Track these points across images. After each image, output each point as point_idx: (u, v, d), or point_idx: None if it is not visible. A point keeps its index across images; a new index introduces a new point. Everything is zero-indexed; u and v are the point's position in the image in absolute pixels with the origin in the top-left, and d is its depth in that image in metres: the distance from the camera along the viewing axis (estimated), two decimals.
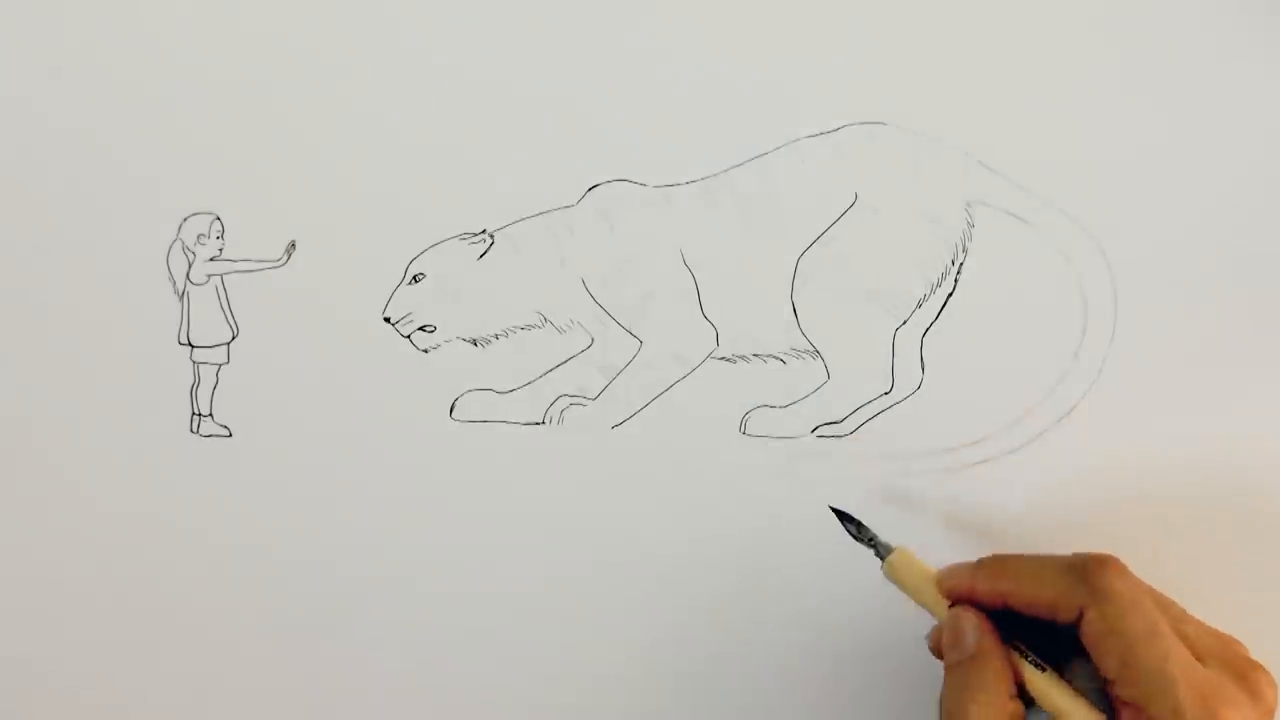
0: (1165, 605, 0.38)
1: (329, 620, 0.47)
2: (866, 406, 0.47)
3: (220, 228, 0.48)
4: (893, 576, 0.41)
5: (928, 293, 0.47)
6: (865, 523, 0.43)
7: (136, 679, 0.47)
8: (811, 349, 0.47)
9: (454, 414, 0.47)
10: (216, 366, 0.48)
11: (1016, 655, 0.38)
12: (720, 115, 0.48)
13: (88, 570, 0.47)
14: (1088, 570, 0.37)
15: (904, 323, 0.47)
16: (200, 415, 0.48)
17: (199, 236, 0.48)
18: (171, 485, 0.47)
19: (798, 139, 0.48)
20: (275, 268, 0.48)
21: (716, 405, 0.47)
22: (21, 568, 0.47)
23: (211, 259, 0.48)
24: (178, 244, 0.48)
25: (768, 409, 0.47)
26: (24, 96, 0.49)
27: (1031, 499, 0.46)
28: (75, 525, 0.47)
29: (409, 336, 0.48)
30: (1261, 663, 0.38)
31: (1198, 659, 0.36)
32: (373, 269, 0.48)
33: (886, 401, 0.47)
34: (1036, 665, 0.38)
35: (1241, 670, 0.37)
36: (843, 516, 0.43)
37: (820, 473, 0.46)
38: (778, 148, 0.48)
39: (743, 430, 0.47)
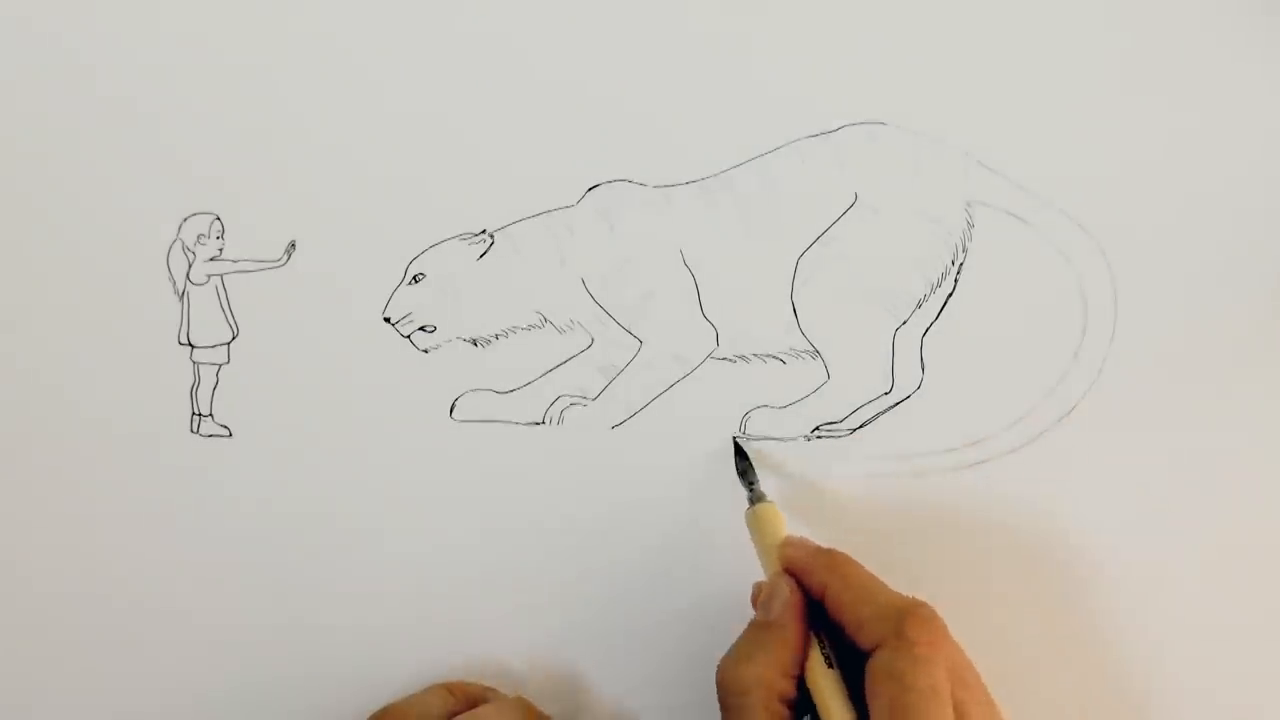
0: (969, 683, 0.38)
1: (329, 620, 0.47)
2: (866, 406, 0.47)
3: (220, 228, 0.48)
4: (751, 524, 0.43)
5: (928, 293, 0.47)
6: (756, 470, 0.45)
7: (136, 679, 0.47)
8: (811, 349, 0.47)
9: (454, 414, 0.47)
10: (216, 366, 0.48)
11: (814, 643, 0.39)
12: (720, 115, 0.48)
13: (88, 570, 0.47)
14: (905, 618, 0.37)
15: (904, 323, 0.47)
16: (200, 415, 0.48)
17: (199, 236, 0.48)
18: (171, 485, 0.47)
19: (798, 139, 0.48)
20: (275, 268, 0.48)
21: (716, 405, 0.47)
22: (21, 567, 0.47)
23: (211, 259, 0.48)
24: (178, 244, 0.48)
25: (768, 409, 0.47)
26: (24, 96, 0.49)
27: (1031, 499, 0.46)
28: (75, 525, 0.47)
29: (409, 336, 0.48)
30: None
31: None
32: (373, 269, 0.48)
33: (886, 401, 0.47)
34: (828, 660, 0.38)
35: None
36: (739, 451, 0.45)
37: (820, 473, 0.46)
38: (778, 148, 0.48)
39: (743, 430, 0.47)
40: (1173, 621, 0.45)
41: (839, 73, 0.48)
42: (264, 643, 0.47)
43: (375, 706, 0.45)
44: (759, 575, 0.45)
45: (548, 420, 0.47)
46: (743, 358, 0.47)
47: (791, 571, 0.41)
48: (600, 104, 0.48)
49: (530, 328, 0.48)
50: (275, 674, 0.47)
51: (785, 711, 0.38)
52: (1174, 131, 0.47)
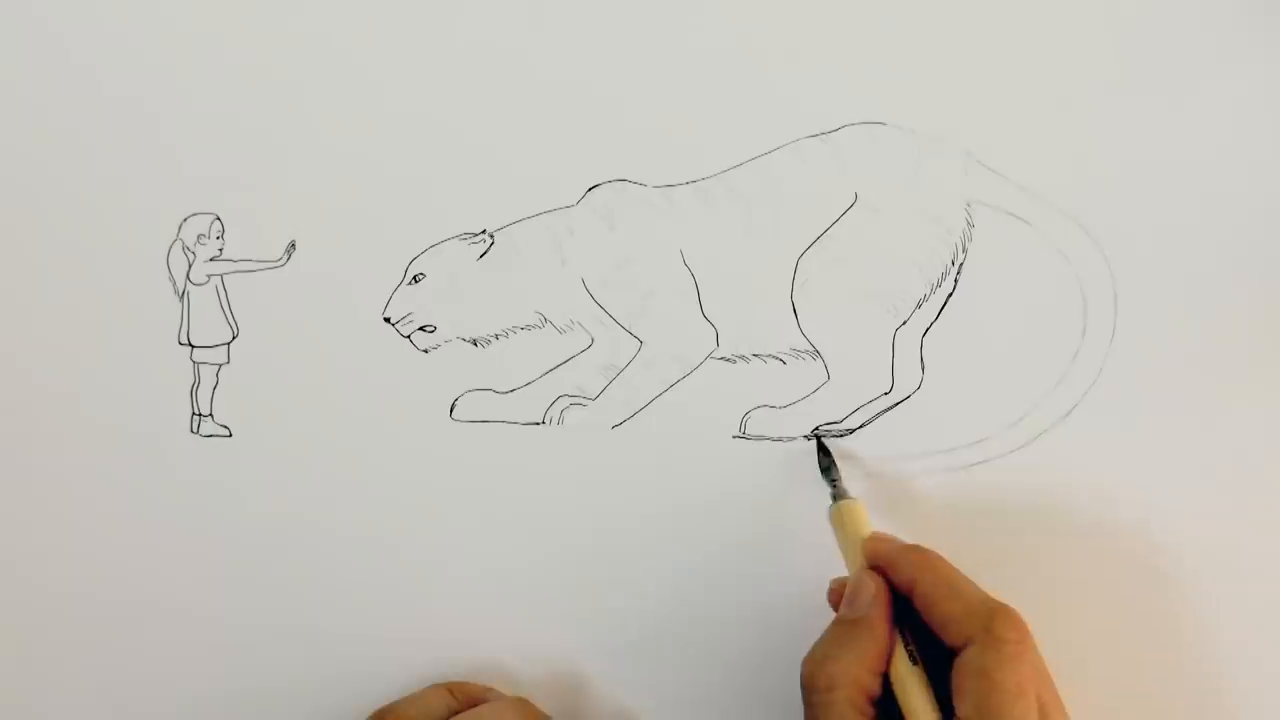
0: (1045, 685, 0.38)
1: (329, 620, 0.47)
2: (866, 406, 0.47)
3: (220, 228, 0.48)
4: (835, 522, 0.43)
5: (928, 293, 0.47)
6: (839, 468, 0.44)
7: (136, 678, 0.47)
8: (811, 349, 0.47)
9: (454, 414, 0.47)
10: (216, 366, 0.48)
11: (899, 640, 0.39)
12: (720, 115, 0.48)
13: (88, 570, 0.47)
14: (995, 615, 0.37)
15: (904, 323, 0.47)
16: (200, 415, 0.48)
17: (199, 236, 0.48)
18: (171, 485, 0.47)
19: (798, 139, 0.48)
20: (275, 268, 0.48)
21: (716, 405, 0.47)
22: (22, 567, 0.47)
23: (211, 259, 0.48)
24: (178, 244, 0.48)
25: (768, 409, 0.47)
26: (24, 96, 0.49)
27: (1031, 499, 0.46)
28: (75, 525, 0.47)
29: (409, 336, 0.48)
30: None
31: None
32: (373, 269, 0.48)
33: (886, 401, 0.47)
34: (912, 657, 0.38)
35: None
36: (823, 448, 0.45)
37: (820, 473, 0.46)
38: (778, 148, 0.48)
39: (743, 430, 0.47)
40: (1173, 621, 0.45)
41: (839, 73, 0.48)
42: (264, 642, 0.47)
43: (375, 706, 0.45)
44: (759, 573, 0.45)
45: (548, 420, 0.47)
46: (743, 358, 0.47)
47: (877, 567, 0.40)
48: (600, 104, 0.48)
49: (530, 328, 0.48)
50: (275, 673, 0.47)
51: (871, 709, 0.38)
52: (1174, 131, 0.47)
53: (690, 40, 0.48)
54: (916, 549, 0.40)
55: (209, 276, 0.48)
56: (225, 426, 0.47)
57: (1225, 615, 0.45)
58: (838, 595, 0.41)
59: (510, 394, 0.47)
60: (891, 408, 0.47)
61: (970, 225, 0.47)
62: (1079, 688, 0.45)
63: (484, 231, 0.48)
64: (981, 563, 0.44)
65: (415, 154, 0.48)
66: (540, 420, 0.47)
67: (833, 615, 0.41)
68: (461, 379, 0.47)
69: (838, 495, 0.43)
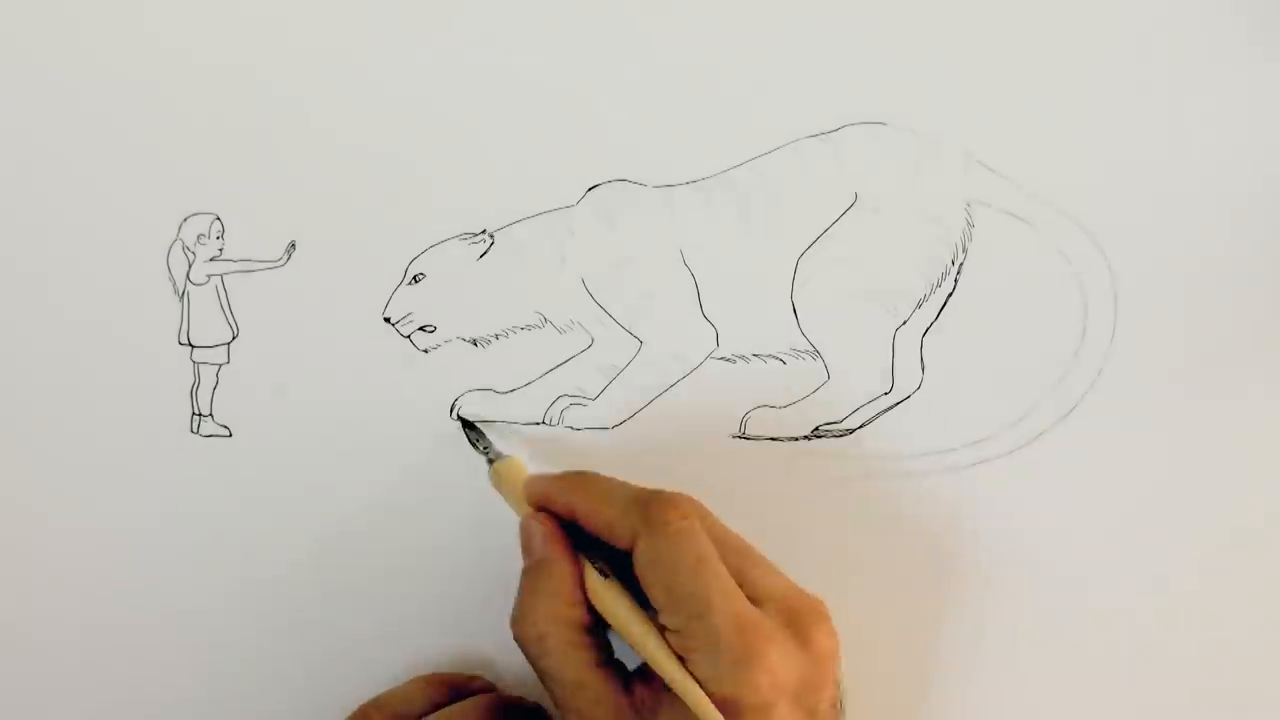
0: (739, 550, 0.38)
1: (329, 620, 0.47)
2: (866, 406, 0.47)
3: (220, 228, 0.48)
4: (496, 483, 0.43)
5: (928, 293, 0.47)
6: (490, 436, 0.45)
7: (136, 678, 0.47)
8: (811, 349, 0.47)
9: (454, 414, 0.47)
10: (216, 366, 0.48)
11: (585, 564, 0.39)
12: (720, 115, 0.48)
13: (88, 570, 0.47)
14: (649, 503, 0.38)
15: (904, 323, 0.47)
16: (200, 415, 0.48)
17: (199, 236, 0.48)
18: (171, 485, 0.47)
19: (798, 139, 0.48)
20: (275, 268, 0.48)
21: (716, 405, 0.47)
22: (21, 567, 0.47)
23: (211, 259, 0.48)
24: (178, 244, 0.48)
25: (768, 409, 0.47)
26: (24, 96, 0.49)
27: (1031, 499, 0.46)
28: (75, 525, 0.47)
29: (409, 336, 0.48)
30: (828, 616, 0.37)
31: (755, 601, 0.37)
32: (373, 269, 0.48)
33: (886, 401, 0.47)
34: (601, 573, 0.39)
35: (798, 615, 0.37)
36: (466, 425, 0.46)
37: (820, 473, 0.46)
38: (778, 148, 0.48)
39: (743, 430, 0.47)
40: (1173, 621, 0.45)
41: (839, 73, 0.48)
42: (263, 642, 0.47)
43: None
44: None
45: (548, 420, 0.47)
46: (743, 358, 0.47)
47: (540, 505, 0.41)
48: (600, 104, 0.48)
49: (530, 328, 0.48)
50: (274, 673, 0.47)
51: (588, 638, 0.38)
52: (1174, 131, 0.47)
53: (690, 40, 0.48)
54: (567, 475, 0.41)
55: (209, 276, 0.48)
56: (225, 426, 0.47)
57: (1226, 615, 0.45)
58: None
59: (510, 394, 0.47)
60: (891, 408, 0.47)
61: (970, 225, 0.47)
62: (1073, 686, 0.45)
63: (484, 231, 0.48)
64: (979, 563, 0.44)
65: (415, 154, 0.48)
66: (540, 420, 0.47)
67: None
68: (461, 379, 0.47)
69: (494, 457, 0.44)
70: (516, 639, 0.39)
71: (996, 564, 0.46)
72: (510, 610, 0.40)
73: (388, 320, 0.48)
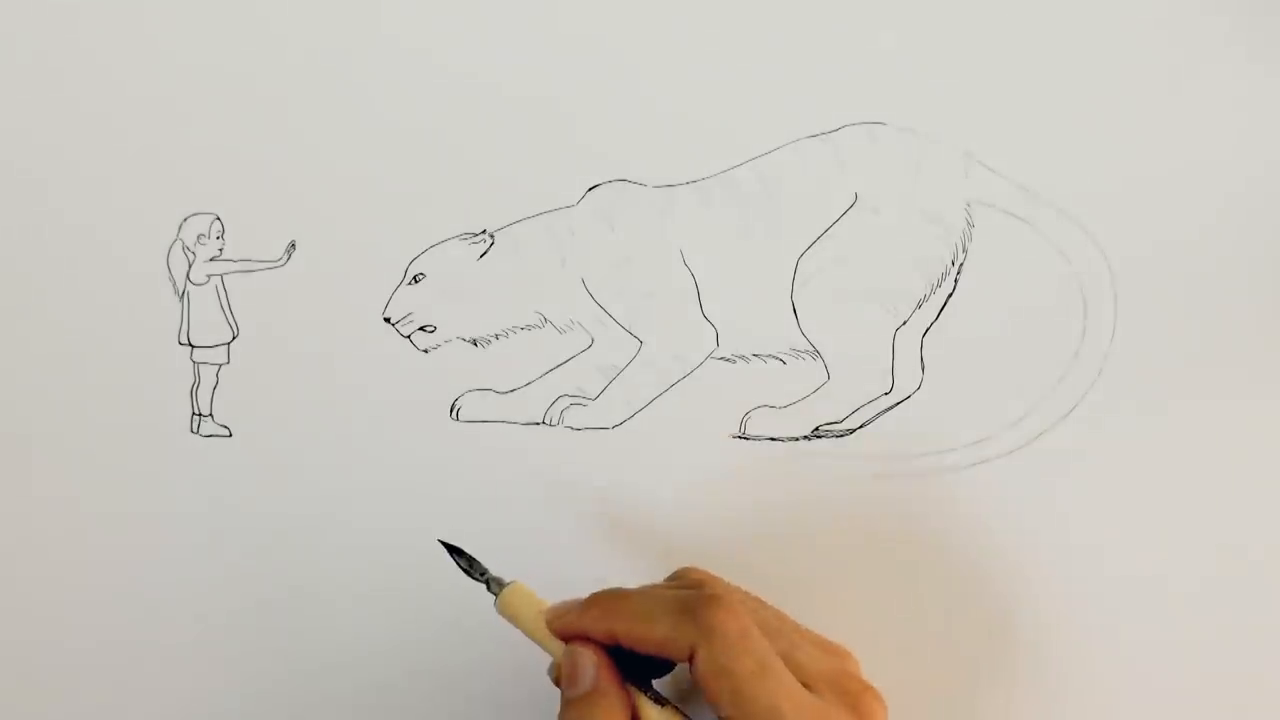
0: (776, 632, 0.37)
1: (329, 620, 0.47)
2: (866, 406, 0.47)
3: (220, 228, 0.48)
4: (505, 613, 0.40)
5: (928, 293, 0.47)
6: (478, 558, 0.41)
7: (136, 678, 0.47)
8: (811, 349, 0.47)
9: (454, 414, 0.47)
10: (216, 366, 0.48)
11: (636, 691, 0.37)
12: (720, 115, 0.48)
13: (88, 570, 0.47)
14: (695, 609, 0.36)
15: (904, 323, 0.47)
16: (200, 415, 0.48)
17: (199, 236, 0.48)
18: (171, 485, 0.47)
19: (798, 139, 0.48)
20: (275, 268, 0.48)
21: (716, 405, 0.47)
22: (22, 567, 0.47)
23: (211, 259, 0.48)
24: (178, 244, 0.48)
25: (768, 409, 0.47)
26: (24, 96, 0.49)
27: (1031, 499, 0.46)
28: (75, 525, 0.47)
29: (409, 336, 0.48)
30: (870, 684, 0.37)
31: (809, 686, 0.36)
32: (373, 269, 0.48)
33: (886, 401, 0.47)
34: (655, 700, 0.37)
35: (853, 694, 0.37)
36: (452, 550, 0.41)
37: (820, 473, 0.46)
38: (778, 148, 0.48)
39: (743, 430, 0.47)
40: (1174, 621, 0.45)
41: (839, 73, 0.48)
42: (263, 643, 0.47)
43: (375, 703, 0.45)
44: (759, 574, 0.45)
45: (548, 420, 0.47)
46: (743, 358, 0.47)
47: (572, 638, 0.38)
48: (601, 104, 0.48)
49: (530, 328, 0.48)
50: (273, 673, 0.47)
51: None
52: (1174, 131, 0.47)
53: (690, 40, 0.48)
54: (592, 600, 0.38)
55: (209, 276, 0.48)
56: (225, 426, 0.47)
57: (1226, 614, 0.45)
58: (559, 674, 0.39)
59: (510, 394, 0.47)
60: (891, 408, 0.47)
61: (970, 225, 0.47)
62: (1077, 684, 0.45)
63: (484, 231, 0.48)
64: (979, 563, 0.44)
65: (415, 154, 0.48)
66: (540, 420, 0.47)
67: None
68: (461, 379, 0.47)
69: (496, 586, 0.40)
70: None
71: (996, 564, 0.46)
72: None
73: (388, 320, 0.48)
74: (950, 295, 0.47)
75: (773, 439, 0.47)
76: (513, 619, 0.40)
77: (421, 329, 0.48)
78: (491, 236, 0.48)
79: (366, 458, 0.47)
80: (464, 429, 0.47)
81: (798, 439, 0.47)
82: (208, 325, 0.48)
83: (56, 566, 0.47)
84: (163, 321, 0.48)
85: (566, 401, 0.47)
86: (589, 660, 0.38)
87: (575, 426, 0.47)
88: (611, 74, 0.48)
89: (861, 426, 0.47)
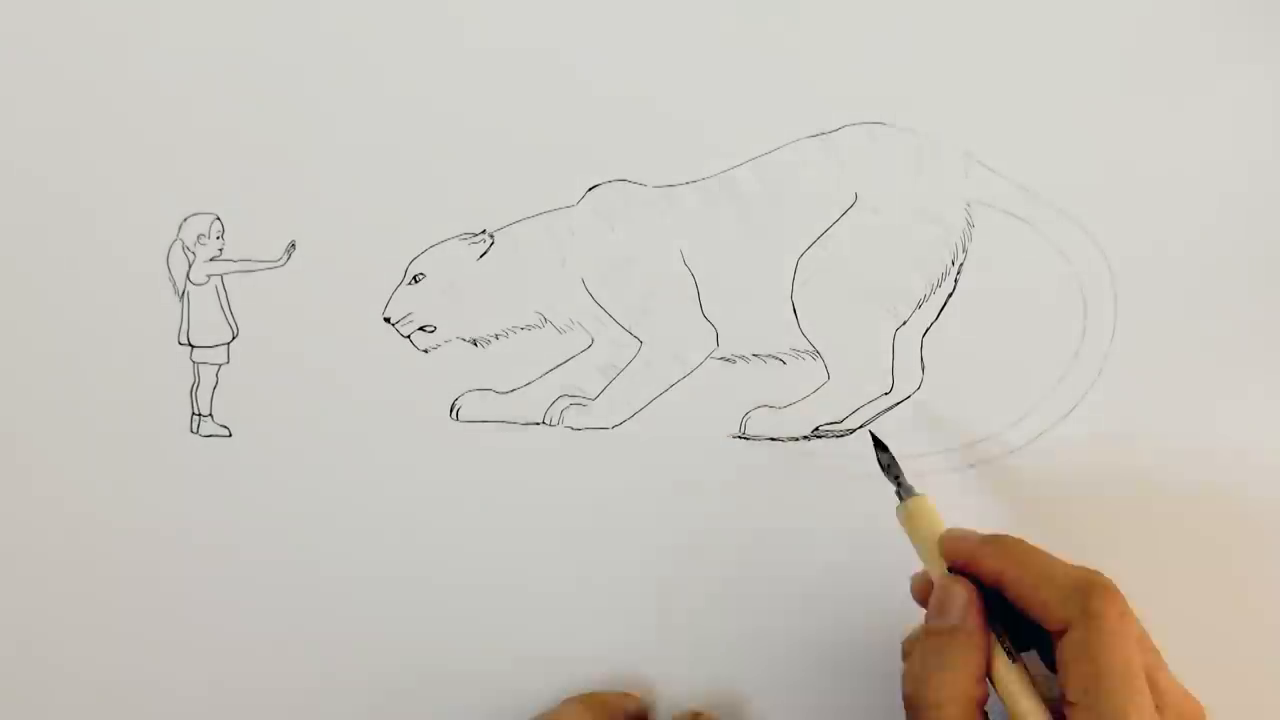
0: (1147, 650, 0.37)
1: (329, 620, 0.47)
2: (866, 406, 0.47)
3: (220, 228, 0.48)
4: (905, 522, 0.41)
5: (928, 293, 0.47)
6: (898, 461, 0.42)
7: (136, 678, 0.47)
8: (811, 349, 0.47)
9: (454, 414, 0.47)
10: (216, 366, 0.48)
11: (994, 639, 0.38)
12: (720, 115, 0.48)
13: (88, 570, 0.47)
14: (1089, 588, 0.36)
15: (904, 323, 0.47)
16: (200, 415, 0.48)
17: (199, 236, 0.48)
18: (171, 485, 0.47)
19: (798, 139, 0.48)
20: (275, 268, 0.48)
21: (716, 405, 0.47)
22: (22, 567, 0.47)
23: (211, 259, 0.48)
24: (178, 244, 0.48)
25: (768, 409, 0.47)
26: (25, 96, 0.49)
27: (1031, 499, 0.46)
28: (75, 525, 0.47)
29: (409, 336, 0.48)
30: None
31: (1160, 710, 0.36)
32: (373, 269, 0.48)
33: (886, 401, 0.47)
34: (1010, 654, 0.37)
35: None
36: (878, 444, 0.43)
37: (820, 473, 0.46)
38: (778, 148, 0.48)
39: (743, 430, 0.47)
40: (1173, 620, 0.45)
41: (839, 73, 0.48)
42: (263, 642, 0.47)
43: (375, 705, 0.45)
44: (759, 573, 0.45)
45: (548, 420, 0.47)
46: (743, 358, 0.47)
47: (959, 566, 0.39)
48: (600, 104, 0.48)
49: (530, 328, 0.48)
50: (273, 673, 0.47)
51: (980, 716, 0.37)
52: (1174, 132, 0.47)
53: (690, 40, 0.48)
54: (995, 539, 0.39)
55: (209, 276, 0.48)
56: (225, 426, 0.47)
57: (1225, 614, 0.45)
58: (923, 593, 0.40)
59: (510, 394, 0.47)
60: (891, 408, 0.47)
61: (970, 225, 0.47)
62: None
63: (484, 231, 0.48)
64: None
65: (415, 154, 0.48)
66: (540, 420, 0.47)
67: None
68: (461, 379, 0.47)
69: (904, 493, 0.41)
70: (908, 697, 0.37)
71: None
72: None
73: (388, 320, 0.48)
74: (950, 295, 0.47)
75: (773, 439, 0.47)
76: (910, 529, 0.40)
77: (421, 329, 0.48)
78: (491, 236, 0.48)
79: (366, 458, 0.47)
80: (464, 429, 0.47)
81: (798, 439, 0.47)
82: (208, 325, 0.48)
83: (56, 566, 0.47)
84: (163, 321, 0.48)
85: (566, 401, 0.47)
86: (963, 597, 0.38)
87: (575, 426, 0.47)
88: (611, 74, 0.48)
89: (861, 426, 0.47)
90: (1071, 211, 0.47)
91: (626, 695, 0.45)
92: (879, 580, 0.46)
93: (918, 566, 0.40)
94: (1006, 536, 0.39)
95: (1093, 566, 0.45)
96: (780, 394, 0.47)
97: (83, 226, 0.48)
